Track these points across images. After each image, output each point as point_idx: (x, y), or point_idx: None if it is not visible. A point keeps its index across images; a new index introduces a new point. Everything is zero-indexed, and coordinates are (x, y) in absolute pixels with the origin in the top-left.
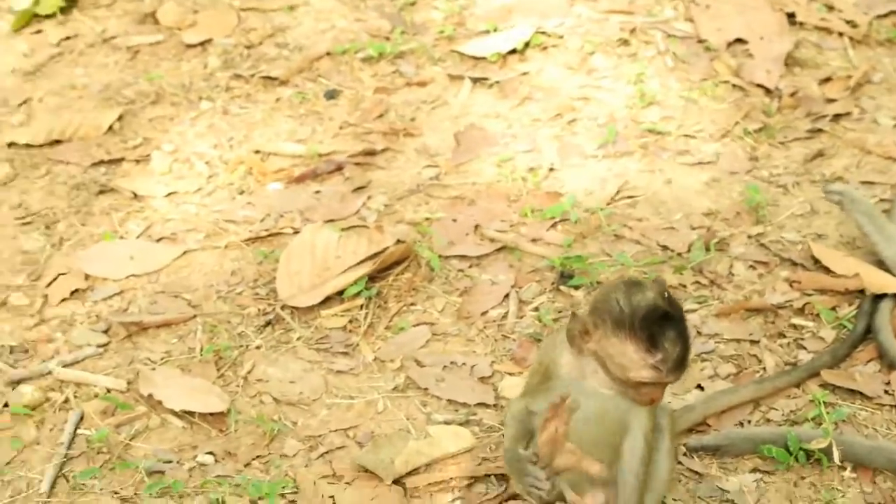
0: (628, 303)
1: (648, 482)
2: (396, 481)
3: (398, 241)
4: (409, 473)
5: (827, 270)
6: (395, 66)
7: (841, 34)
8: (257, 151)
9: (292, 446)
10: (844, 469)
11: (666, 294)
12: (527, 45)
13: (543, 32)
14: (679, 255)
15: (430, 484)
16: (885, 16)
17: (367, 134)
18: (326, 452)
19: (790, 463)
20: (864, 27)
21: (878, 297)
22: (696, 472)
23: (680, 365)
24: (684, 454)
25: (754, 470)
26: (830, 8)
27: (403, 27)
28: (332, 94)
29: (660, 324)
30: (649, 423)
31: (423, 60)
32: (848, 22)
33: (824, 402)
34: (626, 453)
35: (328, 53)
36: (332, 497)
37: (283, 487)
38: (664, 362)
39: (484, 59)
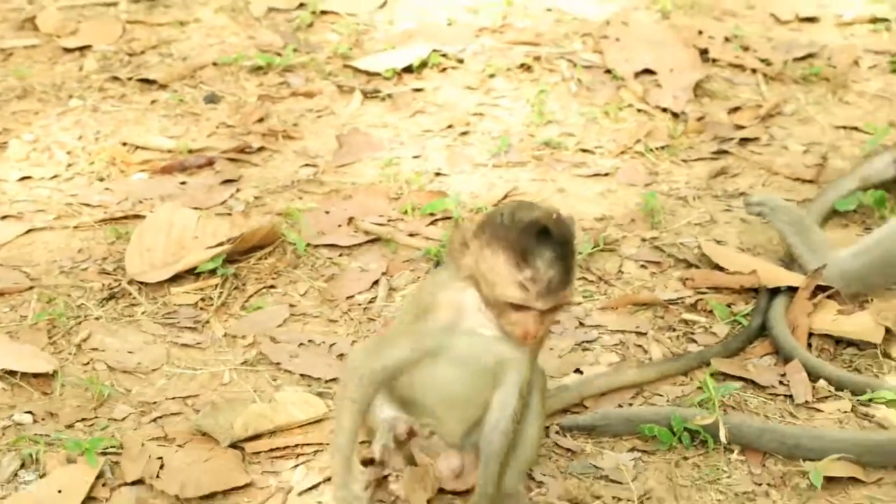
0: (511, 216)
1: (514, 446)
2: (235, 445)
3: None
4: (250, 439)
5: (721, 269)
6: (282, 77)
7: (754, 70)
8: (124, 144)
9: (122, 411)
10: (731, 451)
11: (556, 216)
12: (424, 64)
13: (444, 55)
14: None
15: (272, 449)
16: (802, 58)
17: (245, 135)
18: (160, 417)
19: (672, 443)
20: (779, 66)
21: (774, 293)
22: (569, 450)
23: (552, 291)
24: (556, 432)
25: (632, 449)
26: (746, 48)
27: (297, 45)
28: (212, 99)
29: (538, 240)
30: (527, 374)
31: (312, 74)
32: (762, 60)
33: (713, 387)
34: (495, 408)
35: (214, 64)
36: (160, 458)
37: (107, 446)
38: (533, 282)
39: (378, 74)
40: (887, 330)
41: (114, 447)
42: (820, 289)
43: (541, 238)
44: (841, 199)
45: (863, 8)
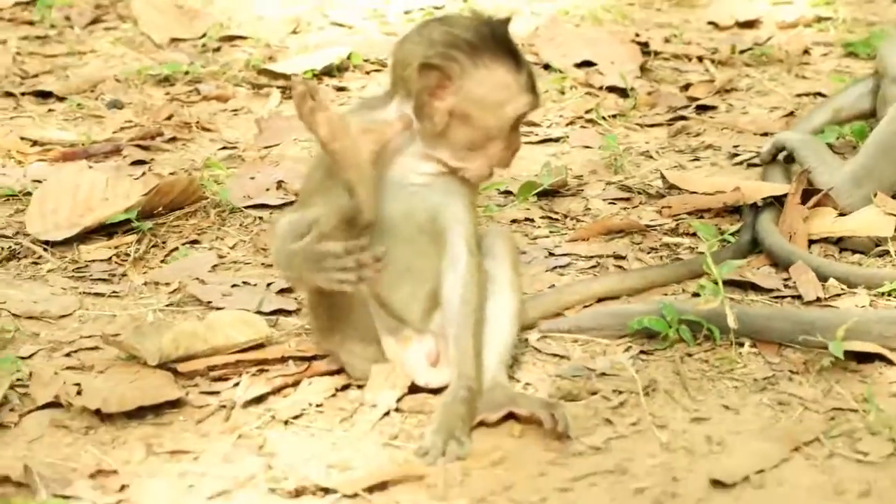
0: (468, 27)
1: (488, 328)
2: (165, 367)
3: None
4: (183, 360)
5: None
6: (192, 87)
7: (701, 58)
8: (22, 138)
9: (29, 350)
10: (742, 345)
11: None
12: (345, 68)
13: (367, 60)
14: (524, 198)
15: (210, 368)
16: (749, 49)
17: (156, 129)
18: (74, 352)
19: (671, 339)
20: (726, 54)
21: (757, 209)
22: (555, 355)
23: (536, 85)
24: (539, 339)
25: (628, 349)
26: (688, 43)
27: (205, 63)
28: (115, 104)
29: (511, 37)
30: (471, 221)
31: (224, 83)
32: (708, 49)
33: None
34: (447, 272)
35: (115, 79)
36: (77, 384)
37: (13, 381)
38: (531, 78)
39: (295, 76)
40: None
41: (20, 381)
42: (810, 193)
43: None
44: (817, 131)
45: (804, 10)
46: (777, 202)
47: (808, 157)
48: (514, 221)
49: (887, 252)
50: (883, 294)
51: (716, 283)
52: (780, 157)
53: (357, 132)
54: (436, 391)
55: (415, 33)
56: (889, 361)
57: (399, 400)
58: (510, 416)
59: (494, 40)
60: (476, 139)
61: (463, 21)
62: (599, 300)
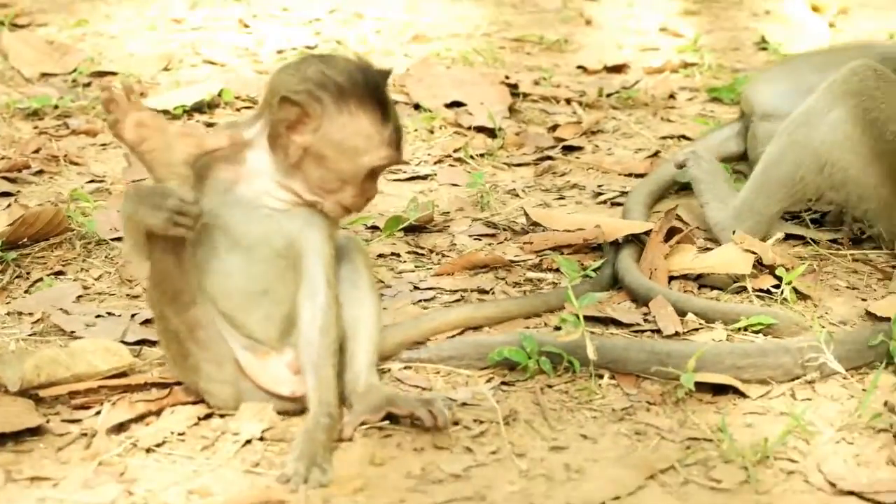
0: (341, 70)
1: (351, 332)
2: (26, 394)
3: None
4: (45, 387)
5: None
6: (61, 121)
7: (569, 100)
8: None
9: None
10: (601, 376)
11: (364, 62)
12: (216, 105)
13: (238, 97)
14: (389, 232)
15: (72, 394)
16: (616, 92)
17: (23, 161)
18: None
19: (532, 370)
20: (594, 97)
21: (618, 246)
22: (417, 386)
23: (402, 138)
24: (401, 368)
25: (489, 380)
26: (557, 86)
27: (74, 97)
28: None
29: (384, 88)
30: (329, 253)
31: (93, 116)
32: (577, 92)
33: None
34: (304, 303)
35: None
36: None
37: None
38: (397, 133)
39: (166, 112)
40: (756, 261)
41: None
42: (674, 232)
43: (385, 85)
44: (681, 171)
45: (671, 56)
46: (637, 239)
47: (703, 192)
48: (380, 256)
49: (745, 288)
50: (739, 329)
51: (577, 315)
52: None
53: (174, 134)
54: (303, 410)
55: (293, 65)
56: (741, 393)
57: (264, 430)
58: (388, 417)
59: (366, 88)
60: (329, 180)
61: (342, 63)
62: (461, 332)
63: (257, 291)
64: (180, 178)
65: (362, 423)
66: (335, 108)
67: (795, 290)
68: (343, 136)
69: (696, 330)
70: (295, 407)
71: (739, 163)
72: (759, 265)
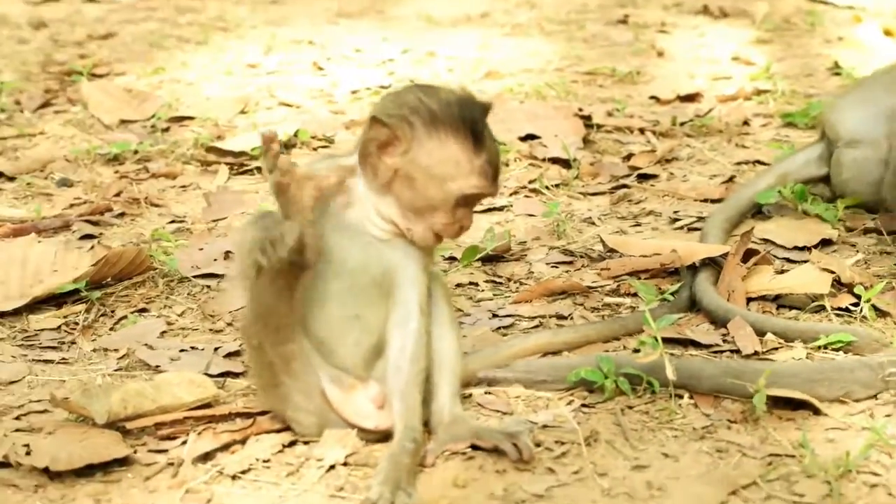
0: (439, 98)
1: (434, 364)
2: (113, 426)
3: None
4: (131, 418)
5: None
6: (141, 165)
7: (643, 130)
8: None
9: None
10: (681, 397)
11: (467, 91)
12: (293, 145)
13: (314, 136)
14: (467, 262)
15: (158, 425)
16: (689, 120)
17: (105, 205)
18: (24, 415)
19: (610, 390)
20: (667, 126)
21: (695, 270)
22: (498, 411)
23: (499, 169)
24: (484, 393)
25: (570, 403)
26: (630, 116)
27: (154, 142)
28: (65, 182)
29: (480, 117)
30: (424, 283)
31: (173, 159)
32: (650, 121)
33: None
34: (395, 331)
35: (66, 158)
36: (26, 445)
37: None
38: (490, 164)
39: (244, 153)
40: (835, 280)
41: None
42: (751, 253)
43: (483, 115)
44: (759, 193)
45: (744, 83)
46: (714, 263)
47: None
48: (458, 285)
49: (823, 308)
50: (819, 347)
51: (655, 337)
52: None
53: (300, 178)
54: (384, 438)
55: (396, 91)
56: (818, 410)
57: (347, 456)
58: (474, 447)
59: (459, 117)
60: (418, 205)
61: (442, 93)
62: (541, 357)
63: (350, 317)
64: (306, 222)
65: (444, 451)
66: (425, 133)
67: (874, 308)
68: (431, 162)
69: (776, 349)
70: (377, 437)
71: (818, 185)
72: (838, 284)
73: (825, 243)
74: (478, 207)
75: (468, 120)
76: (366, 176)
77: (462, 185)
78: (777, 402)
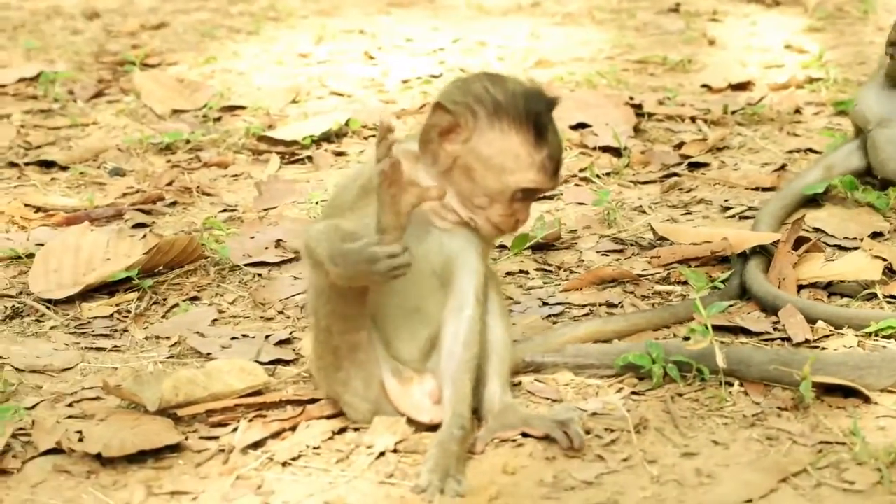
0: (505, 88)
1: (485, 353)
2: (165, 413)
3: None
4: (182, 406)
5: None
6: (192, 154)
7: (694, 118)
8: (26, 205)
9: (32, 401)
10: (731, 384)
11: (536, 84)
12: (343, 134)
13: (364, 126)
14: (517, 251)
15: (209, 412)
16: (741, 109)
17: (157, 194)
18: (77, 402)
19: (658, 376)
20: (719, 114)
21: (745, 257)
22: (547, 398)
23: (559, 168)
24: (533, 381)
25: (619, 391)
26: (682, 105)
27: (206, 131)
28: (118, 172)
29: (545, 112)
30: (481, 272)
31: (225, 150)
32: (701, 110)
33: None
34: (450, 317)
35: (118, 148)
36: (79, 431)
37: (15, 429)
38: (550, 160)
39: (295, 142)
40: (886, 267)
41: (23, 429)
42: (802, 241)
43: (548, 110)
44: (807, 185)
45: (796, 72)
46: (766, 251)
47: None
48: (508, 273)
49: (875, 295)
50: (870, 334)
51: (705, 325)
52: None
53: (406, 182)
54: (434, 427)
55: (463, 78)
56: (867, 398)
57: (397, 443)
58: (524, 435)
59: (524, 109)
60: (477, 195)
61: (509, 84)
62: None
63: (409, 308)
64: (400, 230)
65: (494, 439)
66: (487, 123)
67: None
68: (492, 152)
69: (827, 337)
70: (428, 426)
71: (866, 177)
72: (890, 271)
73: (876, 234)
74: None
75: (532, 113)
76: (426, 163)
77: (520, 179)
78: (827, 390)
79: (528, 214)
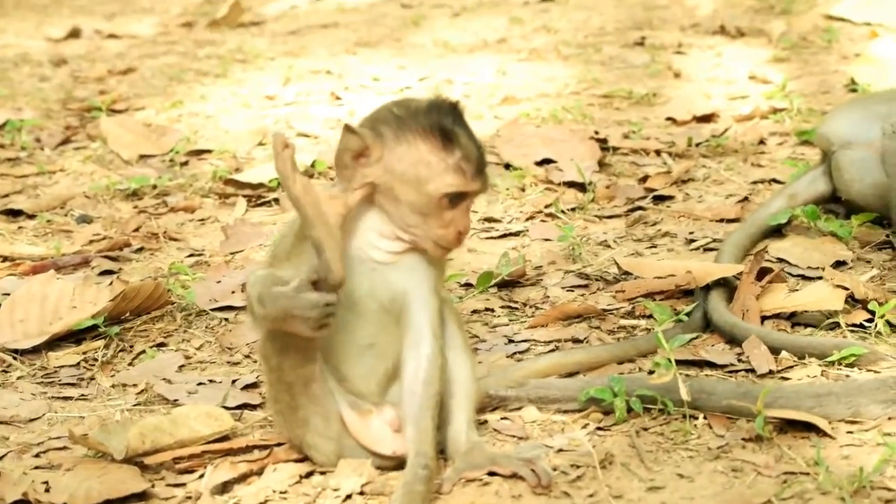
0: (408, 107)
1: (450, 390)
2: (131, 461)
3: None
4: (150, 453)
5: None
6: (159, 200)
7: (658, 152)
8: None
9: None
10: (696, 418)
11: (441, 95)
12: (310, 175)
13: (331, 167)
14: (482, 288)
15: (176, 460)
16: (705, 141)
17: (124, 240)
18: (43, 452)
19: (621, 410)
20: (683, 147)
21: (709, 289)
22: (513, 436)
23: (482, 167)
24: (500, 419)
25: (584, 426)
26: (647, 138)
27: (172, 176)
28: (84, 219)
29: (452, 118)
30: (434, 306)
31: (191, 194)
32: (666, 143)
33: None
34: (409, 355)
35: (85, 195)
36: (45, 482)
37: None
38: (467, 161)
39: (261, 185)
40: (849, 296)
41: None
42: (765, 272)
43: (453, 116)
44: (771, 215)
45: (760, 102)
46: (729, 283)
47: None
48: (474, 312)
49: (838, 324)
50: (832, 363)
51: (668, 359)
52: None
53: (325, 198)
54: (401, 466)
55: (374, 108)
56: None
57: (363, 485)
58: (491, 474)
59: (426, 118)
60: (406, 214)
61: (411, 102)
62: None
63: (363, 346)
64: (335, 243)
65: (461, 479)
66: (394, 139)
67: (889, 324)
68: (405, 166)
69: (791, 367)
70: (393, 463)
71: (830, 203)
72: (852, 300)
73: (839, 263)
74: (493, 234)
75: (435, 120)
76: (341, 183)
77: (438, 185)
78: (791, 422)
79: (468, 223)
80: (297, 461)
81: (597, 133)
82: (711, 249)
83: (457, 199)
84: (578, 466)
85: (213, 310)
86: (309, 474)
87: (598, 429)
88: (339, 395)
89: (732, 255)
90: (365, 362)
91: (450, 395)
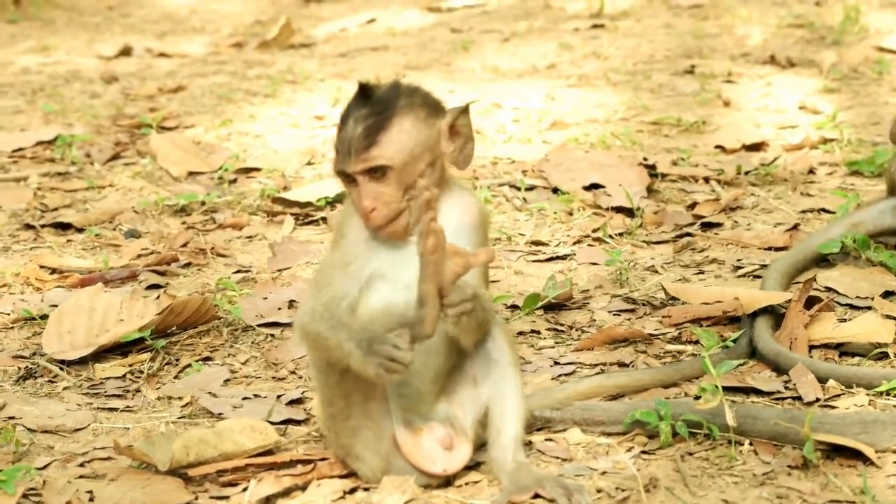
0: None
1: (497, 409)
2: (175, 473)
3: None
4: (193, 465)
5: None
6: (208, 216)
7: (707, 179)
8: (41, 266)
9: (44, 461)
10: (741, 444)
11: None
12: None
13: None
14: (528, 310)
15: (220, 472)
16: (754, 169)
17: (171, 255)
18: (88, 462)
19: (666, 434)
20: (732, 175)
21: (755, 316)
22: (558, 457)
23: (357, 149)
24: (544, 440)
25: (629, 450)
26: (695, 165)
27: (221, 193)
28: (133, 234)
29: (353, 102)
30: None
31: (240, 211)
32: (715, 170)
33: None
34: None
35: (133, 210)
36: (89, 492)
37: (27, 489)
38: (340, 141)
39: (309, 204)
40: None
41: (34, 490)
42: (813, 301)
43: (357, 99)
44: (827, 242)
45: (810, 132)
46: (776, 311)
47: None
48: (520, 333)
49: (886, 354)
50: (881, 393)
51: (715, 385)
52: None
53: (449, 251)
54: (445, 483)
55: None
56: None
57: (406, 502)
58: (535, 496)
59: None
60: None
61: None
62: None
63: (417, 364)
64: (437, 301)
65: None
66: None
67: None
68: None
69: (838, 396)
70: (440, 481)
71: (891, 237)
72: None
73: (888, 294)
74: (540, 257)
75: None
76: None
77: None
78: (836, 449)
79: (363, 205)
80: (341, 477)
81: (645, 159)
82: (759, 277)
83: (348, 179)
84: (623, 490)
85: (259, 325)
86: (353, 490)
87: (643, 452)
88: (394, 412)
89: (777, 281)
90: (418, 359)
91: (498, 413)
